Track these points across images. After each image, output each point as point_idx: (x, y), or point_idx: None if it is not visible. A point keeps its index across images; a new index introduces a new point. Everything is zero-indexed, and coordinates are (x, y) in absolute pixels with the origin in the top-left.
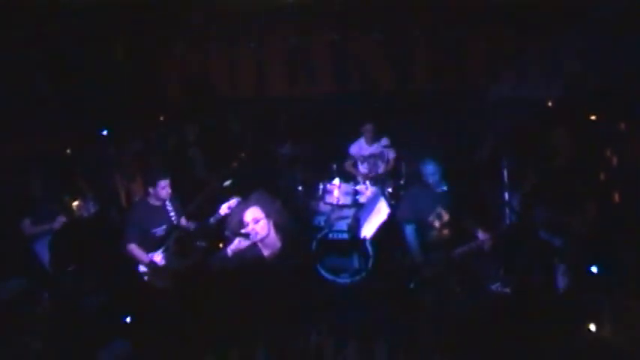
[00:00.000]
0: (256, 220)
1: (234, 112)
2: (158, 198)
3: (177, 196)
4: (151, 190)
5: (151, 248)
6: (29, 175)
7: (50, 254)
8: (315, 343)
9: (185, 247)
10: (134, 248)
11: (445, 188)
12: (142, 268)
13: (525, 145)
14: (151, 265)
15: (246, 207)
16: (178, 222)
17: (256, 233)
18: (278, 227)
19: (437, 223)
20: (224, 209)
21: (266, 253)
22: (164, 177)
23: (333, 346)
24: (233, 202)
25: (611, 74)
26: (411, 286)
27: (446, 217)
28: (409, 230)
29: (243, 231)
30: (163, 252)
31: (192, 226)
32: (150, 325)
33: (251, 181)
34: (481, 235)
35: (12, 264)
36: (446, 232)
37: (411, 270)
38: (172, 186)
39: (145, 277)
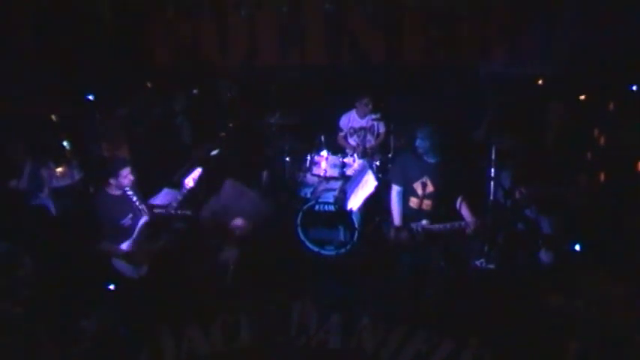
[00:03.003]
0: (242, 228)
1: (224, 80)
2: (120, 187)
3: (136, 181)
4: (112, 180)
5: (120, 239)
6: (15, 138)
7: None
8: (299, 315)
9: (154, 233)
10: (105, 244)
11: (434, 160)
12: (117, 261)
13: (517, 120)
14: (127, 256)
15: (229, 214)
16: (142, 209)
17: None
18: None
19: (420, 191)
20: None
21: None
22: (125, 165)
23: (317, 317)
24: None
25: (604, 51)
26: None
27: (430, 187)
28: (395, 193)
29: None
30: (134, 241)
31: (158, 211)
32: (133, 295)
33: (239, 151)
34: (467, 216)
35: None
36: (428, 202)
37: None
38: (134, 172)
39: (122, 270)
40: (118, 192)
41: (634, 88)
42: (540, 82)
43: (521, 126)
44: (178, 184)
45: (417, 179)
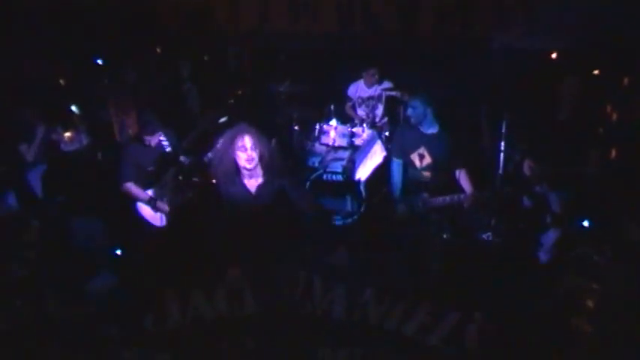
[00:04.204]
0: (252, 148)
1: (233, 47)
2: (152, 142)
3: (173, 131)
4: (145, 137)
5: (147, 186)
6: (25, 102)
7: (42, 183)
8: (304, 284)
9: (182, 183)
10: (131, 186)
11: (434, 131)
12: (141, 206)
13: (529, 95)
14: (152, 201)
15: (240, 134)
16: (174, 158)
17: (252, 159)
18: (262, 157)
19: (418, 163)
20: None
21: (249, 186)
22: (159, 129)
23: (322, 286)
24: None
25: (619, 25)
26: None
27: (428, 159)
28: (395, 166)
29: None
30: (160, 188)
31: (187, 161)
32: (139, 259)
33: (247, 119)
34: (466, 189)
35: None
36: (427, 174)
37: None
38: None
39: (144, 215)
40: (149, 144)
41: None
42: (554, 55)
43: (534, 100)
44: (188, 151)
45: (414, 150)
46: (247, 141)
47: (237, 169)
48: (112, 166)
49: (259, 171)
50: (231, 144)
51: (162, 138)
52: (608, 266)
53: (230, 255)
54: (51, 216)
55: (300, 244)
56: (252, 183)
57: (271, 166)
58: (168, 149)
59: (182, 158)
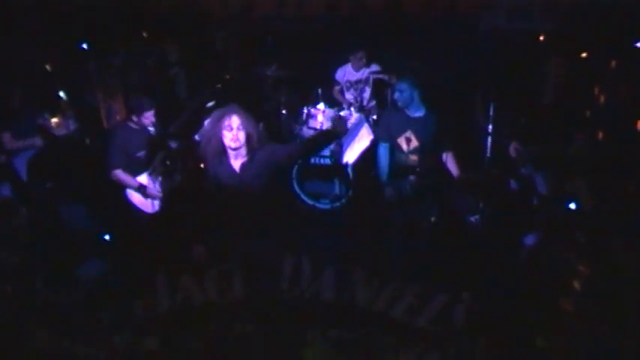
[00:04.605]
0: (239, 128)
1: (220, 31)
2: (139, 125)
3: (159, 118)
4: (134, 117)
5: (135, 172)
6: (9, 87)
7: (28, 170)
8: (292, 267)
9: (170, 167)
10: (120, 173)
11: (418, 114)
12: (131, 192)
13: (516, 77)
14: (141, 188)
15: (228, 113)
16: (162, 142)
17: (237, 139)
18: (249, 139)
19: (405, 146)
20: None
21: (235, 166)
22: (150, 107)
23: (310, 270)
24: None
25: (607, 6)
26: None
27: (415, 142)
28: (381, 149)
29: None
30: (150, 174)
31: (175, 145)
32: (129, 245)
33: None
34: (453, 172)
35: None
36: (414, 157)
37: (387, 198)
38: (156, 113)
39: (134, 202)
40: (138, 127)
41: (638, 45)
42: (542, 37)
43: (521, 81)
44: (175, 135)
45: (400, 134)
46: (234, 120)
47: (224, 149)
48: (100, 151)
49: (244, 151)
50: (218, 123)
51: (152, 118)
52: (594, 248)
53: (217, 237)
54: (39, 202)
55: (287, 226)
56: (238, 162)
57: (257, 147)
58: (155, 132)
59: (170, 143)
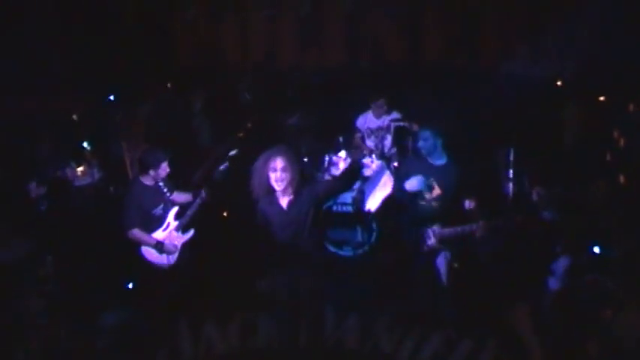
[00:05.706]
0: (283, 169)
1: (244, 80)
2: (156, 178)
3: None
4: (151, 171)
5: (151, 229)
6: (36, 137)
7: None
8: (316, 315)
9: (184, 224)
10: (137, 232)
11: (440, 162)
12: (146, 249)
13: (535, 123)
14: (158, 245)
15: (274, 155)
16: (172, 200)
17: (281, 180)
18: (292, 180)
19: (427, 194)
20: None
21: (283, 204)
22: (165, 158)
23: (334, 318)
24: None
25: (624, 51)
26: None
27: (437, 190)
28: (404, 196)
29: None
30: (164, 230)
31: (183, 198)
32: (151, 293)
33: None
34: (478, 218)
35: (17, 226)
36: (436, 205)
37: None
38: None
39: (149, 258)
40: (151, 183)
41: None
42: (559, 83)
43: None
44: (195, 185)
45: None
46: (279, 162)
47: (272, 189)
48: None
49: (290, 190)
50: (264, 164)
51: (167, 169)
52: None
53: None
54: (65, 250)
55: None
56: (285, 200)
57: (301, 187)
58: (166, 190)
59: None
